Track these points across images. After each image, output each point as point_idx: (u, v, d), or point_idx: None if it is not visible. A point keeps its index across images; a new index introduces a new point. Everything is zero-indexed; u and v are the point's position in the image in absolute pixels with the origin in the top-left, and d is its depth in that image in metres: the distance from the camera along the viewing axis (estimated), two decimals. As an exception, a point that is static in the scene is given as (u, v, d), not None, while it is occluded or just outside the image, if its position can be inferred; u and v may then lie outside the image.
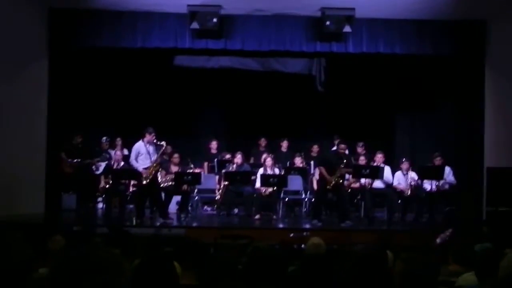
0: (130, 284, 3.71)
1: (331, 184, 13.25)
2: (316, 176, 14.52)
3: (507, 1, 13.48)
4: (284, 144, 16.32)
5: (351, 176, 14.15)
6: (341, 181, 13.36)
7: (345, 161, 13.32)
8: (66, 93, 14.87)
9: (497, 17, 14.09)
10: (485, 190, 13.91)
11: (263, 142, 16.49)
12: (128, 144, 15.59)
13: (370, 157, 15.07)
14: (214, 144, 16.16)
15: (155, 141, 13.23)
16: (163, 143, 13.40)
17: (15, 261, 3.79)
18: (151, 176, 13.16)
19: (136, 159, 13.31)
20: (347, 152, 13.77)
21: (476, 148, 14.70)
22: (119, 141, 15.78)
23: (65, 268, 3.58)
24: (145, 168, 13.14)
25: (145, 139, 13.23)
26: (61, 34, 14.33)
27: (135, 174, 13.48)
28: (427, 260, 4.27)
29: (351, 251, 6.05)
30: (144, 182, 13.17)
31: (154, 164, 13.19)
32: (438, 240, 10.06)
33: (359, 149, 15.80)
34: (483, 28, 14.49)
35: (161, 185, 13.82)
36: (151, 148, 13.27)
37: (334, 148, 14.85)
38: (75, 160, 14.95)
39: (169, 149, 14.56)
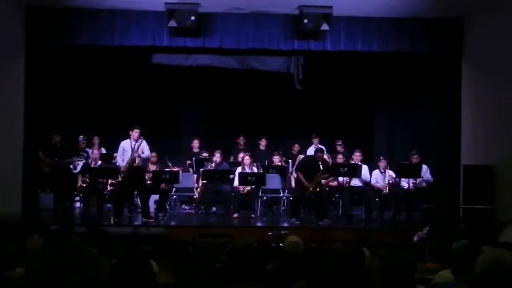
0: (108, 283, 3.70)
1: (309, 191, 13.29)
2: (295, 175, 14.55)
3: (482, -2, 13.62)
4: (263, 143, 16.37)
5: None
6: (318, 189, 13.39)
7: (322, 168, 13.37)
8: (43, 92, 14.76)
9: (474, 14, 14.16)
10: (461, 188, 14.01)
11: (242, 140, 16.49)
12: (106, 143, 15.57)
13: (348, 155, 15.14)
14: (196, 143, 16.14)
15: (136, 137, 13.24)
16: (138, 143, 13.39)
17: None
18: (126, 171, 13.16)
19: (122, 156, 13.36)
20: (325, 157, 13.87)
21: (453, 146, 14.79)
22: (96, 140, 15.71)
23: (43, 267, 3.59)
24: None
25: (131, 137, 13.26)
26: (38, 33, 14.21)
27: (113, 172, 13.47)
28: (404, 256, 4.29)
29: (329, 249, 6.07)
30: (120, 178, 13.21)
31: (130, 160, 13.17)
32: (415, 238, 10.11)
33: (338, 148, 15.88)
34: (460, 25, 14.57)
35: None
36: (136, 146, 13.26)
37: (312, 149, 14.94)
38: (56, 159, 14.89)
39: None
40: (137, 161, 13.19)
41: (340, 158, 14.94)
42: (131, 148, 13.20)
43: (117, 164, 13.54)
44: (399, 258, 4.15)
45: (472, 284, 3.52)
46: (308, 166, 13.62)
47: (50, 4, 14.07)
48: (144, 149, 13.38)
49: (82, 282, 3.14)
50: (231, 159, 15.91)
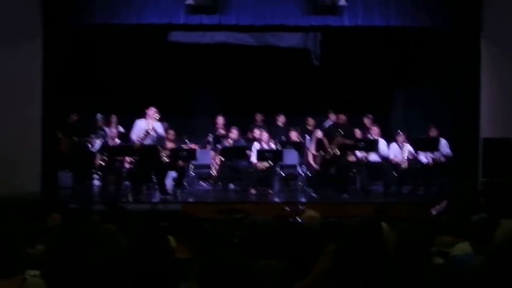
0: (126, 259, 3.73)
1: (330, 154, 13.36)
2: (312, 150, 14.56)
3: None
4: (281, 119, 16.27)
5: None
6: (339, 152, 13.44)
7: (343, 132, 13.42)
8: (61, 71, 14.76)
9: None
10: (481, 161, 13.94)
11: (259, 117, 16.43)
12: (123, 121, 15.59)
13: (366, 130, 15.10)
14: (220, 120, 15.97)
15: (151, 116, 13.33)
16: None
17: (8, 235, 3.82)
18: (139, 148, 13.38)
19: (135, 134, 13.52)
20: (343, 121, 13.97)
21: (472, 120, 14.67)
22: (113, 118, 15.72)
23: (62, 244, 3.61)
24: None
25: (147, 115, 13.42)
26: (55, 12, 14.18)
27: (131, 150, 13.55)
28: (421, 229, 4.29)
29: (346, 223, 6.07)
30: (137, 156, 13.45)
31: (143, 133, 13.29)
32: (434, 212, 10.11)
33: (367, 122, 15.68)
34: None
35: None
36: (154, 125, 13.34)
37: (329, 122, 14.96)
38: (74, 138, 14.92)
39: (165, 125, 14.54)
40: (150, 132, 13.26)
41: (357, 133, 14.88)
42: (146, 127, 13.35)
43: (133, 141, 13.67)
44: (416, 231, 4.14)
45: (490, 256, 3.51)
46: (330, 130, 13.82)
47: (66, -17, 14.08)
48: (158, 128, 13.45)
49: (101, 259, 3.16)
50: (249, 135, 15.88)
